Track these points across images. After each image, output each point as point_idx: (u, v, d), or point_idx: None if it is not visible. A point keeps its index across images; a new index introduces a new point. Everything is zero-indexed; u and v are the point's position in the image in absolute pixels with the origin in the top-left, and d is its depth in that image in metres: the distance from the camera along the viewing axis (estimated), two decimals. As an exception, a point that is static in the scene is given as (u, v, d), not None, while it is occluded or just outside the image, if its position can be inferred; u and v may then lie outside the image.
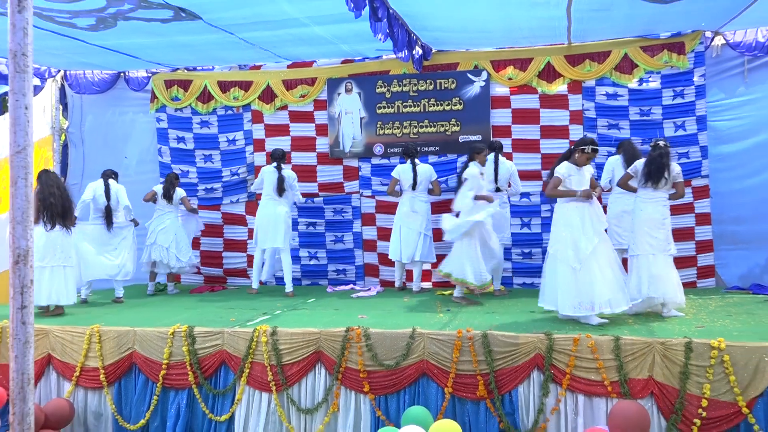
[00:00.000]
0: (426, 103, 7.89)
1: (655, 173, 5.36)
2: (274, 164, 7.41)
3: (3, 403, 5.10)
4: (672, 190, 5.48)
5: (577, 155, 5.21)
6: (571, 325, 4.99)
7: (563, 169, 5.18)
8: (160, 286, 7.94)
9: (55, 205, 6.07)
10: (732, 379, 4.13)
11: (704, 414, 4.16)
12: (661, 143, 5.43)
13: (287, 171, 7.45)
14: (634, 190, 5.57)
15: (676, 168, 5.48)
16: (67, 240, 6.26)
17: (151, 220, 7.65)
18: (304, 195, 8.13)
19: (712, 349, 4.20)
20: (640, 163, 5.54)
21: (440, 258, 7.61)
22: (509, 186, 6.96)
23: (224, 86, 8.47)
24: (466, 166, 6.46)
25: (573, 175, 5.17)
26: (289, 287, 7.37)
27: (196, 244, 8.58)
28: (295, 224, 8.21)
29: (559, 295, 5.07)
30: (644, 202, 5.43)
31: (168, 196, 7.59)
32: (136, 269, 7.58)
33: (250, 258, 8.37)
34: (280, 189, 7.30)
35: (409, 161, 7.25)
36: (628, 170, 5.68)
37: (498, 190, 6.86)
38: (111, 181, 7.25)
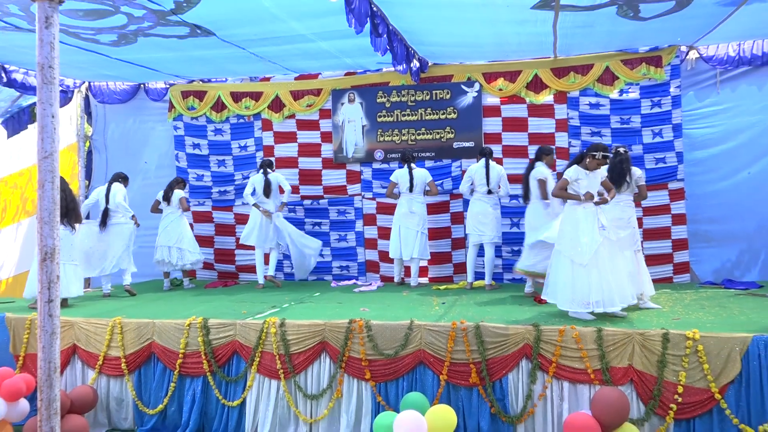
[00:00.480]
0: (423, 112, 7.88)
1: (617, 178, 5.35)
2: (261, 171, 7.55)
3: (32, 389, 5.10)
4: (635, 190, 5.53)
5: (587, 160, 5.10)
6: (558, 317, 4.98)
7: (571, 172, 5.09)
8: (177, 281, 7.93)
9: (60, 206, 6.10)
10: (705, 368, 4.13)
11: (680, 400, 4.16)
12: (621, 150, 5.42)
13: (273, 175, 7.53)
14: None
15: (637, 172, 5.47)
16: (70, 238, 6.26)
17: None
18: (310, 197, 8.20)
19: (687, 339, 4.19)
20: (604, 169, 5.53)
21: (434, 255, 7.66)
22: (499, 188, 6.95)
23: (236, 96, 8.46)
24: (532, 166, 6.41)
25: (581, 179, 5.06)
26: (271, 271, 7.54)
27: (210, 242, 8.59)
28: (301, 224, 8.23)
29: (558, 290, 5.01)
30: (609, 206, 5.40)
31: (167, 198, 7.56)
32: (151, 266, 7.60)
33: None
34: (267, 192, 7.44)
35: (406, 166, 7.25)
36: None
37: (489, 192, 6.85)
38: (114, 185, 7.25)
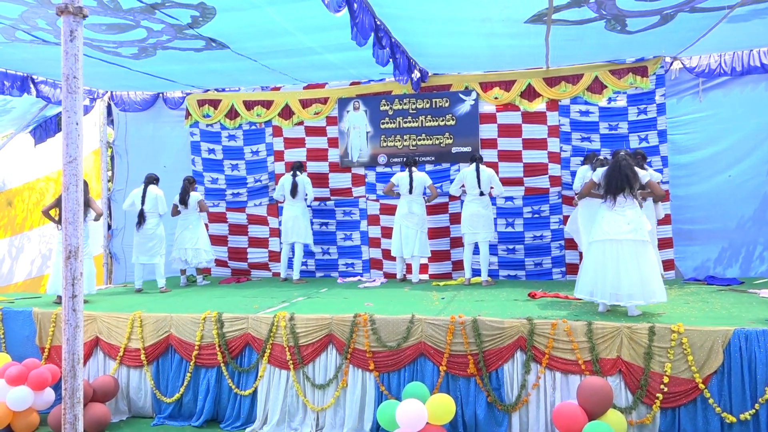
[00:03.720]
0: (423, 119, 7.87)
1: (614, 182, 5.25)
2: (291, 172, 7.58)
3: (57, 379, 5.10)
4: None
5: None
6: (550, 310, 4.97)
7: (599, 174, 5.09)
8: (192, 278, 7.93)
9: None
10: (690, 359, 4.10)
11: (666, 389, 4.14)
12: (621, 153, 5.30)
13: (301, 177, 7.53)
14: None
15: (640, 173, 5.35)
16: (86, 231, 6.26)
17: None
18: (317, 199, 8.18)
19: (672, 332, 4.17)
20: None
21: (434, 253, 7.64)
22: (492, 189, 6.92)
23: (249, 105, 8.46)
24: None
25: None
26: (296, 275, 7.57)
27: (224, 241, 8.59)
28: (310, 224, 8.23)
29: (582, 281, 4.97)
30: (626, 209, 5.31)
31: (183, 201, 7.48)
32: (168, 264, 7.64)
33: (272, 253, 8.38)
34: (293, 192, 7.46)
35: (407, 169, 7.23)
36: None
37: (481, 194, 6.83)
38: (151, 187, 7.17)
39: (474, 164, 6.87)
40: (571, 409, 4.00)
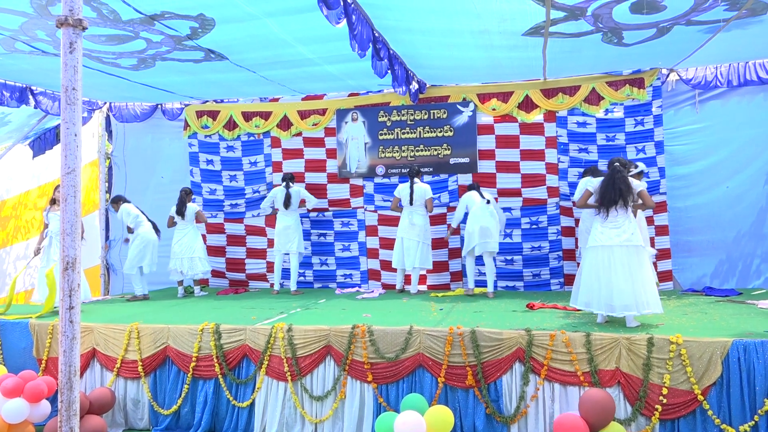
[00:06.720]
0: (421, 130, 7.90)
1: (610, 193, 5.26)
2: (284, 184, 7.63)
3: (54, 391, 5.07)
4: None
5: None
6: (548, 322, 4.96)
7: (595, 184, 5.09)
8: (190, 289, 7.91)
9: None
10: (689, 370, 4.10)
11: (665, 401, 4.13)
12: (616, 164, 5.26)
13: (294, 188, 7.60)
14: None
15: (634, 182, 5.36)
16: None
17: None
18: (316, 210, 8.22)
19: (671, 343, 4.16)
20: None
21: (436, 264, 7.63)
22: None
23: (247, 116, 8.49)
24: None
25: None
26: (293, 287, 7.55)
27: (222, 252, 8.58)
28: (307, 235, 8.24)
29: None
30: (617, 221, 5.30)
31: (180, 212, 7.53)
32: (166, 275, 7.74)
33: (270, 264, 8.37)
34: (287, 203, 7.50)
35: (409, 180, 7.24)
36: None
37: (488, 202, 6.82)
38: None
39: (474, 191, 6.96)
40: (572, 421, 3.97)
